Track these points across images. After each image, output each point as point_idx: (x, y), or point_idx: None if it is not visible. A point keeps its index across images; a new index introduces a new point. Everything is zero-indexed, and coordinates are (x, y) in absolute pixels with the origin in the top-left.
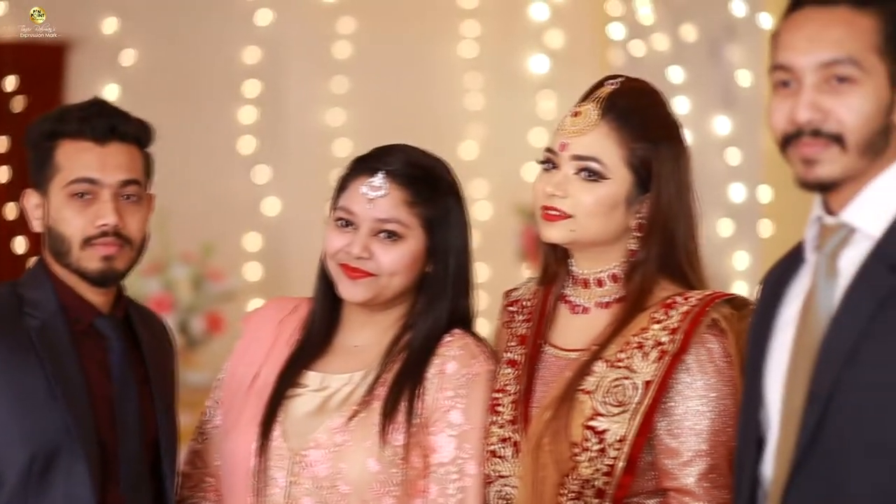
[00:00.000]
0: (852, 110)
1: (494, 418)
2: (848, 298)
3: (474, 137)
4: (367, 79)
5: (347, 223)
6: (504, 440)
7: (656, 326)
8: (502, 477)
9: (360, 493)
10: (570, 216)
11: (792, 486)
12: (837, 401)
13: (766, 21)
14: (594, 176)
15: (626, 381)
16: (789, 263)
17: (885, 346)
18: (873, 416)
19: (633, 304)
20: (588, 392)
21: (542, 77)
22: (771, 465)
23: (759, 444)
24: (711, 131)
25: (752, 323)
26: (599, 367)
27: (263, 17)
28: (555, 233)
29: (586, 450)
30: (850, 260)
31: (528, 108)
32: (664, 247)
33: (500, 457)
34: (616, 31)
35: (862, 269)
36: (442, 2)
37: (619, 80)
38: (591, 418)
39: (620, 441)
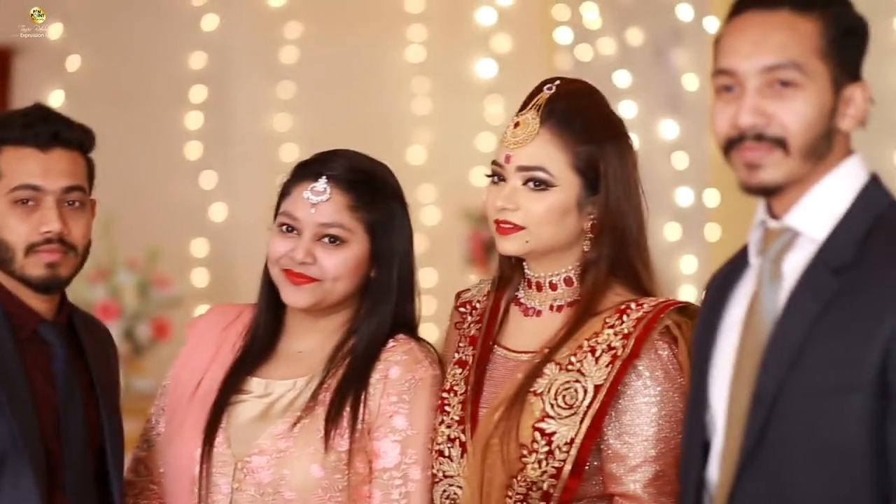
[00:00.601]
0: (795, 114)
1: (442, 418)
2: (792, 302)
3: (422, 142)
4: (314, 84)
5: (290, 229)
6: (451, 440)
7: (609, 331)
8: (448, 477)
9: (304, 498)
10: (523, 228)
11: (737, 489)
12: (782, 404)
13: (712, 25)
14: (542, 185)
15: (577, 385)
16: (733, 267)
17: (829, 350)
18: (817, 420)
19: (585, 307)
20: (538, 394)
21: (489, 81)
22: (716, 469)
23: (704, 447)
24: (658, 135)
25: (697, 326)
26: (550, 369)
27: (209, 22)
28: (511, 245)
29: (534, 451)
30: (794, 263)
31: (475, 113)
32: (616, 245)
33: (446, 456)
34: (563, 35)
35: (805, 273)
36: (389, 6)
37: (556, 83)
38: (541, 420)
39: (568, 444)
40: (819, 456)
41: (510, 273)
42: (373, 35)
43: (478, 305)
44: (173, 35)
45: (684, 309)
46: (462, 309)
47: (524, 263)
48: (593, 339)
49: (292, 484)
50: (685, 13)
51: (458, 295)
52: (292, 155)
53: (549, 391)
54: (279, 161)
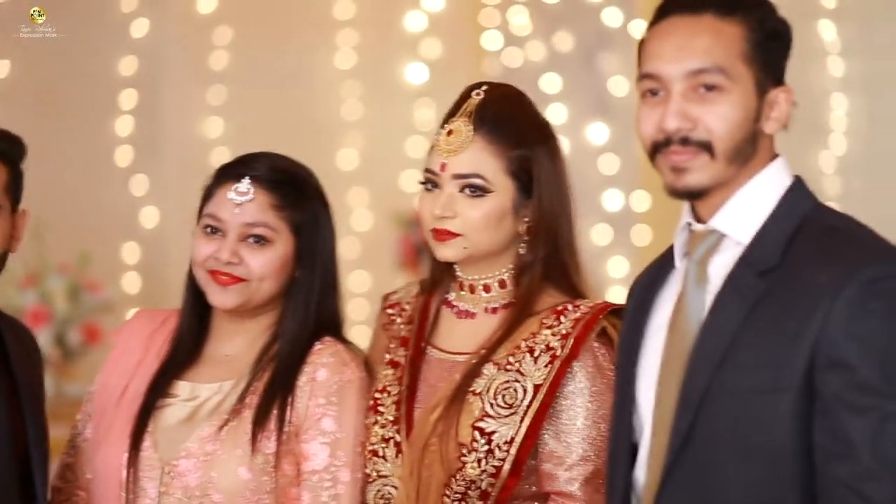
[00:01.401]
0: (720, 118)
1: (376, 418)
2: (718, 304)
3: (352, 146)
4: (245, 88)
5: (215, 230)
6: (386, 440)
7: (547, 332)
8: (382, 476)
9: (231, 501)
10: (460, 235)
11: (664, 489)
12: (709, 405)
13: (640, 29)
14: (478, 192)
15: (516, 384)
16: (659, 270)
17: (755, 351)
18: (744, 420)
19: (521, 308)
20: (477, 393)
21: (419, 86)
22: (644, 470)
23: (632, 449)
24: (587, 139)
25: (623, 329)
26: (489, 369)
27: (139, 27)
28: (449, 252)
29: (474, 450)
30: (720, 266)
31: (405, 117)
32: (550, 246)
33: (381, 456)
34: (491, 40)
35: (731, 276)
36: (318, 11)
37: (484, 88)
38: (480, 419)
39: (508, 443)
40: (746, 456)
41: (440, 275)
42: (303, 40)
43: (407, 307)
44: (103, 40)
45: (619, 311)
46: (390, 311)
47: (455, 266)
48: (531, 340)
49: (220, 487)
50: (613, 18)
51: (386, 297)
52: (223, 159)
53: (488, 391)
54: (210, 165)
